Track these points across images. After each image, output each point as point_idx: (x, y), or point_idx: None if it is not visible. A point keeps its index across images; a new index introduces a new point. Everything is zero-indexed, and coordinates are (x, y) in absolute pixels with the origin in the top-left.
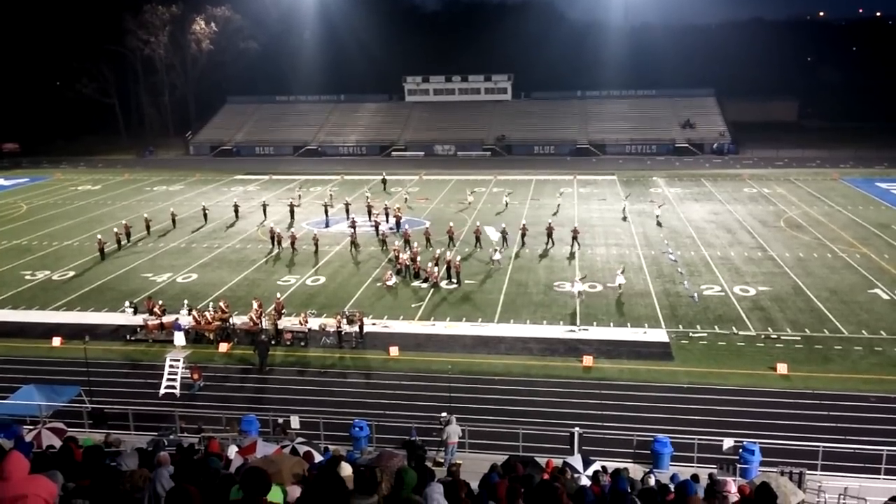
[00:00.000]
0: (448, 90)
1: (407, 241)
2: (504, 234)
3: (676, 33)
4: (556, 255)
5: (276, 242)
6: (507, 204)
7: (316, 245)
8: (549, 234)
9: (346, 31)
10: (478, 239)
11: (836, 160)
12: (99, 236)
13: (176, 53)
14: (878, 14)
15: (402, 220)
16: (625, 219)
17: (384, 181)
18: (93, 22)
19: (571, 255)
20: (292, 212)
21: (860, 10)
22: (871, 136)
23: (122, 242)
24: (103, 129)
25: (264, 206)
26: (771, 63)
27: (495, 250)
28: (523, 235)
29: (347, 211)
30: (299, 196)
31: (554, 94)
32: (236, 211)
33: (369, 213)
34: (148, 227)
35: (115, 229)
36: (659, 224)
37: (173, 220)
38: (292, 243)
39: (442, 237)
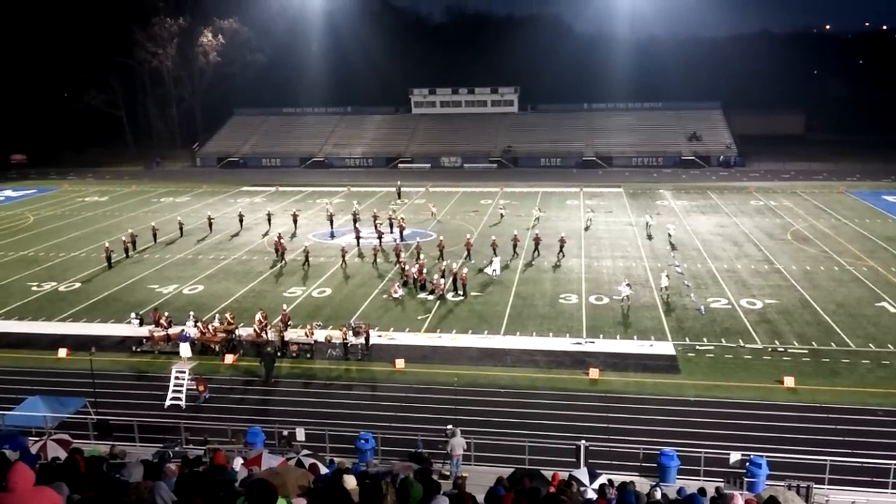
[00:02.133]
0: (454, 102)
1: (398, 255)
2: (493, 246)
3: (683, 46)
4: (563, 267)
5: (280, 254)
6: (538, 219)
7: (306, 257)
8: (536, 245)
9: (352, 43)
10: (468, 252)
11: (843, 173)
12: (107, 244)
13: (183, 65)
14: (885, 27)
15: (404, 232)
16: (650, 237)
17: (399, 192)
18: (101, 34)
19: (557, 265)
20: (295, 222)
21: (866, 24)
22: (877, 149)
23: (130, 253)
24: (111, 140)
25: (269, 216)
26: (777, 76)
27: (491, 261)
28: (514, 246)
29: (355, 221)
30: (328, 207)
31: (560, 107)
32: (241, 221)
33: (375, 223)
34: (155, 236)
35: (123, 237)
36: (672, 246)
37: (181, 229)
38: (283, 253)
39: (433, 252)
